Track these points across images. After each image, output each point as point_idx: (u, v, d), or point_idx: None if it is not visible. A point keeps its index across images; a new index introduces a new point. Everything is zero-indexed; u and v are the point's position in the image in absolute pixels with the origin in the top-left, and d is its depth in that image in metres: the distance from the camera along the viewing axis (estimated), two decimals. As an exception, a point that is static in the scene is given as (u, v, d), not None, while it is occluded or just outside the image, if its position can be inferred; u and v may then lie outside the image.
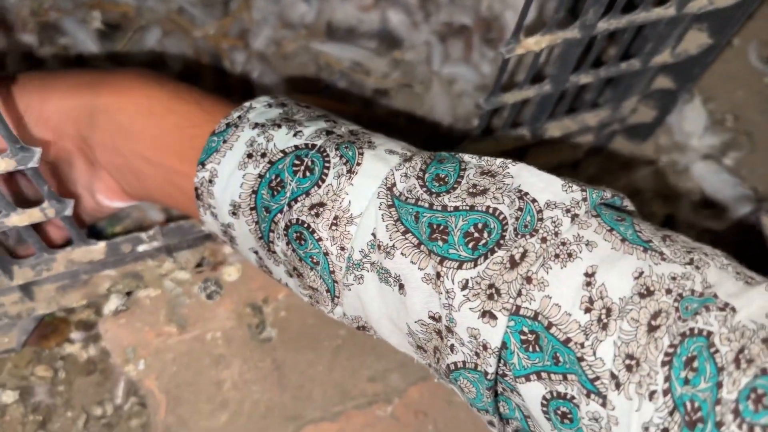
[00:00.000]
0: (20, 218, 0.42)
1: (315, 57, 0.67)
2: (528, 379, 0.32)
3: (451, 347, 0.34)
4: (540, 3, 0.68)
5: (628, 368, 0.29)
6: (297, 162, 0.37)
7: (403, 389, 0.48)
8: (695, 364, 0.28)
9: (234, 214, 0.39)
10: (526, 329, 0.32)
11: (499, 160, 0.36)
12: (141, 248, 0.47)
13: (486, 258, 0.33)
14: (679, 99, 0.59)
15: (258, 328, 0.50)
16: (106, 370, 0.56)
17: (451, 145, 0.60)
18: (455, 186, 0.35)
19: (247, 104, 0.41)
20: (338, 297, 0.38)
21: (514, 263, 0.32)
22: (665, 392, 0.28)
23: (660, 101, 0.58)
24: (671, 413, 0.28)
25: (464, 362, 0.34)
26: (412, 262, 0.34)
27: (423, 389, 0.48)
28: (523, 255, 0.32)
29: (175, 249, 0.50)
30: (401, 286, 0.35)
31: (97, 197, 0.46)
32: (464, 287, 0.33)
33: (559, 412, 0.32)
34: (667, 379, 0.28)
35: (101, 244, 0.46)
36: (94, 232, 0.53)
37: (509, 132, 0.54)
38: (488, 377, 0.33)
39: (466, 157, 0.37)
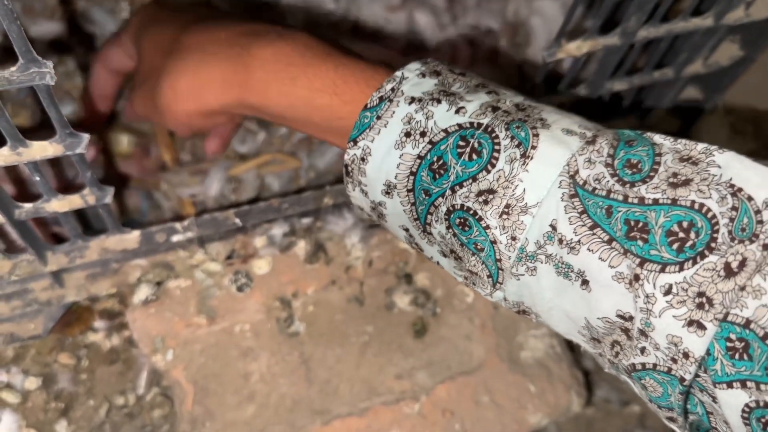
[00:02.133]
0: (60, 204, 0.42)
1: (341, 55, 0.67)
2: (730, 386, 0.30)
3: (642, 350, 0.31)
4: (565, 8, 0.69)
5: None
6: (462, 143, 0.34)
7: (431, 387, 0.49)
8: None
9: (388, 193, 0.37)
10: (733, 336, 0.29)
11: (701, 146, 0.32)
12: (175, 238, 0.47)
13: (695, 262, 0.29)
14: (705, 110, 0.60)
15: (286, 322, 0.50)
16: (129, 359, 0.56)
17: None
18: (651, 174, 0.31)
19: (398, 73, 0.37)
20: (501, 283, 0.35)
21: (730, 272, 0.29)
22: None
23: (686, 111, 0.59)
24: None
25: (655, 365, 0.32)
26: (601, 259, 0.31)
27: (450, 388, 0.49)
28: (742, 263, 0.29)
29: (207, 240, 0.50)
30: (585, 282, 0.32)
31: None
32: (667, 292, 0.30)
33: (763, 420, 0.29)
34: None
35: (135, 233, 0.47)
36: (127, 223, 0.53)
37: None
38: (684, 383, 0.31)
39: (657, 137, 0.33)
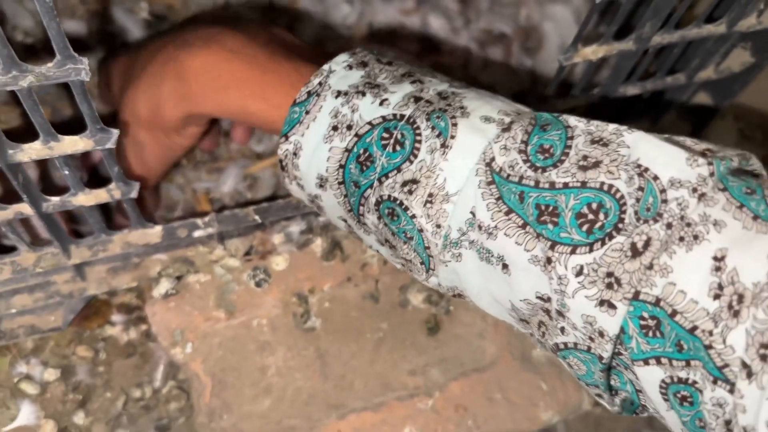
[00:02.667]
0: (87, 198, 0.43)
1: (356, 57, 0.68)
2: (646, 363, 0.31)
3: (562, 329, 0.33)
4: (577, 14, 0.70)
5: (763, 358, 0.27)
6: (386, 135, 0.35)
7: (444, 384, 0.50)
8: None
9: (321, 186, 0.38)
10: (646, 314, 0.30)
11: (612, 126, 0.33)
12: (196, 233, 0.48)
13: (603, 243, 0.30)
14: (715, 115, 0.61)
15: (303, 317, 0.51)
16: (146, 353, 0.57)
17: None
18: (562, 158, 0.32)
19: (326, 67, 0.39)
20: (433, 269, 0.36)
21: (636, 252, 0.30)
22: None
23: (697, 116, 0.60)
24: None
25: (576, 344, 0.33)
26: (517, 243, 0.32)
27: (464, 384, 0.50)
28: (647, 243, 0.30)
29: (227, 236, 0.51)
30: (505, 266, 0.33)
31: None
32: (579, 273, 0.31)
33: (678, 395, 0.30)
34: None
35: (158, 228, 0.48)
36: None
37: (553, 138, 0.55)
38: (603, 361, 0.32)
39: (572, 120, 0.34)
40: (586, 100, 0.50)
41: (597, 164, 0.32)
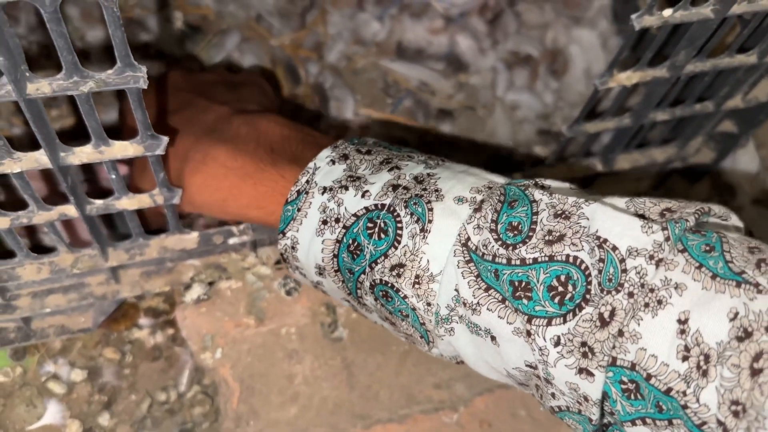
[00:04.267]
0: (130, 202, 0.44)
1: (384, 74, 0.70)
2: (634, 424, 0.33)
3: (552, 395, 0.35)
4: (602, 38, 0.71)
5: (735, 414, 0.29)
6: (370, 225, 0.38)
7: (469, 399, 0.50)
8: None
9: (320, 274, 0.41)
10: (625, 378, 0.32)
11: (571, 199, 0.35)
12: (231, 241, 0.49)
13: (574, 314, 0.33)
14: (739, 143, 0.62)
15: (330, 327, 0.52)
16: (172, 357, 0.58)
17: (511, 169, 0.63)
18: (530, 234, 0.35)
19: (311, 165, 0.42)
20: (432, 342, 0.39)
21: (604, 322, 0.32)
22: None
23: (721, 144, 0.61)
24: None
25: (568, 407, 0.35)
26: (499, 317, 0.35)
27: (488, 400, 0.50)
28: (612, 313, 0.32)
29: (259, 245, 0.52)
30: (493, 338, 0.36)
31: None
32: (557, 344, 0.33)
33: None
34: None
35: (194, 234, 0.48)
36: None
37: (581, 160, 0.56)
38: (593, 422, 0.34)
39: (537, 194, 0.36)
40: (616, 124, 0.51)
41: (561, 237, 0.34)
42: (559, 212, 0.35)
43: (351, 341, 0.52)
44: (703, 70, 0.48)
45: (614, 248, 0.33)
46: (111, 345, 0.58)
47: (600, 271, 0.33)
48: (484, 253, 0.36)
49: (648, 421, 0.32)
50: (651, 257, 0.32)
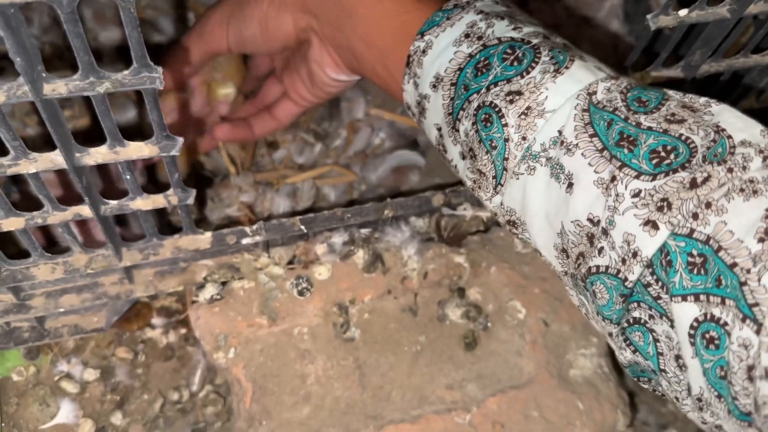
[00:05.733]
0: (145, 203, 0.44)
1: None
2: (684, 299, 0.33)
3: (600, 250, 0.35)
4: (613, 38, 0.71)
5: None
6: (509, 51, 0.39)
7: (481, 399, 0.50)
8: None
9: (434, 86, 0.42)
10: (695, 252, 0.32)
11: (703, 99, 0.36)
12: (245, 241, 0.49)
13: (666, 175, 0.33)
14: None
15: (342, 328, 0.52)
16: (184, 357, 0.58)
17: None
18: (654, 110, 0.36)
19: None
20: (502, 185, 0.39)
21: (694, 184, 0.33)
22: None
23: (734, 144, 0.61)
24: None
25: (607, 267, 0.35)
26: (590, 164, 0.35)
27: (501, 401, 0.50)
28: (706, 179, 0.33)
29: (272, 245, 0.52)
30: (570, 185, 0.36)
31: (326, 71, 0.51)
32: (635, 195, 0.34)
33: (707, 336, 0.32)
34: None
35: (208, 234, 0.49)
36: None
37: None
38: (626, 283, 0.34)
39: (671, 91, 0.37)
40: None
41: (682, 121, 0.35)
42: (687, 105, 0.36)
43: (363, 341, 0.52)
44: (718, 71, 0.48)
45: (729, 137, 0.34)
46: (124, 344, 0.58)
47: (708, 148, 0.34)
48: (605, 106, 0.36)
49: (702, 297, 0.32)
50: (761, 151, 0.33)
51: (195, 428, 0.55)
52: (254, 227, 0.49)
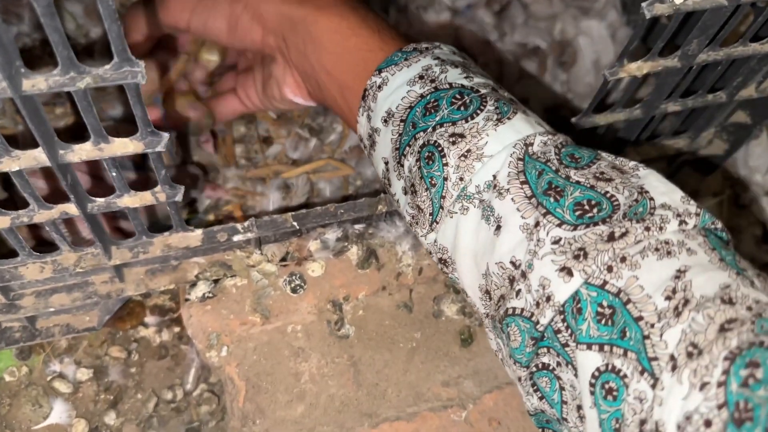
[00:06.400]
0: (132, 200, 0.43)
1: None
2: (590, 348, 0.34)
3: (518, 292, 0.37)
4: (611, 29, 0.70)
5: (689, 355, 0.30)
6: (458, 96, 0.41)
7: (477, 396, 0.49)
8: (759, 373, 0.28)
9: (385, 121, 0.43)
10: (605, 303, 0.34)
11: (632, 163, 0.39)
12: (236, 238, 0.48)
13: (587, 227, 0.35)
14: (752, 134, 0.60)
15: (337, 325, 0.51)
16: (178, 355, 0.58)
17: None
18: (585, 167, 0.38)
19: (437, 43, 0.46)
20: (437, 223, 0.41)
21: (612, 238, 0.34)
22: (719, 384, 0.29)
23: (733, 135, 0.60)
24: (719, 407, 0.28)
25: (522, 309, 0.36)
26: (518, 209, 0.37)
27: (498, 397, 0.49)
28: (624, 234, 0.34)
29: (264, 242, 0.51)
30: (498, 227, 0.38)
31: (284, 90, 0.52)
32: (555, 242, 0.35)
33: (606, 387, 0.33)
34: (725, 373, 0.29)
35: (198, 232, 0.48)
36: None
37: (591, 153, 0.55)
38: (538, 327, 0.35)
39: (603, 153, 0.40)
40: (626, 116, 0.50)
41: (609, 180, 0.37)
42: (617, 167, 0.39)
43: (358, 339, 0.51)
44: (716, 60, 0.47)
45: (651, 198, 0.36)
46: (117, 344, 0.57)
47: (630, 207, 0.36)
48: (539, 157, 0.39)
49: (606, 348, 0.33)
50: (678, 215, 0.35)
51: (189, 427, 0.55)
52: (245, 224, 0.49)
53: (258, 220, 0.49)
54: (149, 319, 0.58)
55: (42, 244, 0.53)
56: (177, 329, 0.58)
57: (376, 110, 0.44)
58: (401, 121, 0.42)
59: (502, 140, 0.39)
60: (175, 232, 0.47)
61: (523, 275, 0.36)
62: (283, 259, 0.52)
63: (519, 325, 0.37)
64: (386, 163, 0.45)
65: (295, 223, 0.50)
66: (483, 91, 0.41)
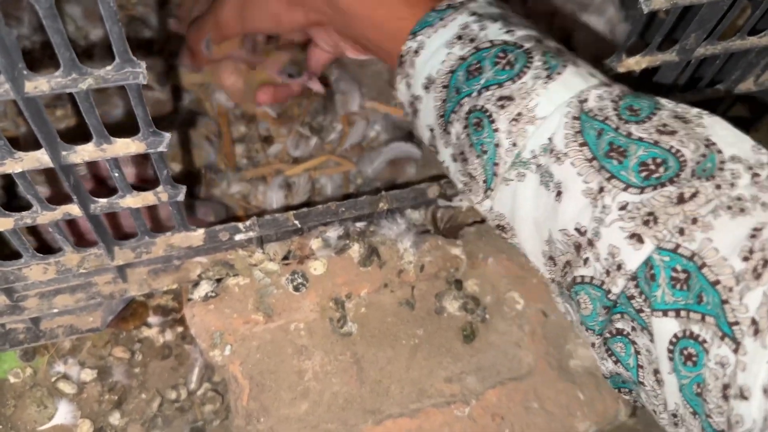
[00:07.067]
0: (134, 200, 0.43)
1: (389, 66, 0.69)
2: (665, 314, 0.33)
3: (585, 260, 0.35)
4: (609, 24, 0.70)
5: None
6: (501, 54, 0.39)
7: (480, 392, 0.50)
8: None
9: (426, 88, 0.41)
10: (679, 267, 0.32)
11: (695, 110, 0.36)
12: (238, 237, 0.48)
13: (654, 189, 0.33)
14: (751, 129, 0.60)
15: (339, 322, 0.51)
16: (181, 355, 0.58)
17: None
18: (645, 120, 0.36)
19: None
20: (492, 190, 0.39)
21: (681, 200, 0.33)
22: None
23: (733, 128, 0.60)
24: None
25: (592, 278, 0.35)
26: (579, 173, 0.35)
27: (501, 393, 0.50)
28: (694, 195, 0.33)
29: (266, 241, 0.51)
30: (559, 194, 0.36)
31: (345, 52, 0.54)
32: (622, 208, 0.34)
33: (685, 352, 0.32)
34: None
35: (200, 231, 0.48)
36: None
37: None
38: (609, 296, 0.34)
39: (663, 100, 0.37)
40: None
41: (673, 133, 0.35)
42: (679, 116, 0.36)
43: (360, 336, 0.51)
44: (714, 54, 0.47)
45: (719, 151, 0.34)
46: (120, 344, 0.57)
47: (697, 163, 0.34)
48: (596, 114, 0.36)
49: (682, 313, 0.32)
50: (750, 168, 0.33)
51: (193, 426, 0.55)
52: (247, 223, 0.49)
53: (260, 219, 0.49)
54: (152, 319, 0.58)
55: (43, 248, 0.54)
56: (180, 329, 0.58)
57: (415, 76, 0.42)
58: (443, 86, 0.40)
59: (554, 99, 0.37)
60: (177, 231, 0.48)
61: (590, 243, 0.35)
62: (285, 258, 0.52)
63: (589, 293, 0.36)
64: (431, 131, 0.43)
65: (296, 222, 0.50)
66: (527, 45, 0.39)
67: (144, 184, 0.43)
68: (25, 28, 0.65)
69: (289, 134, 0.65)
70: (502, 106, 0.38)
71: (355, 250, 0.53)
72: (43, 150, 0.37)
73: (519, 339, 0.52)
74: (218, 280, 0.52)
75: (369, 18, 0.45)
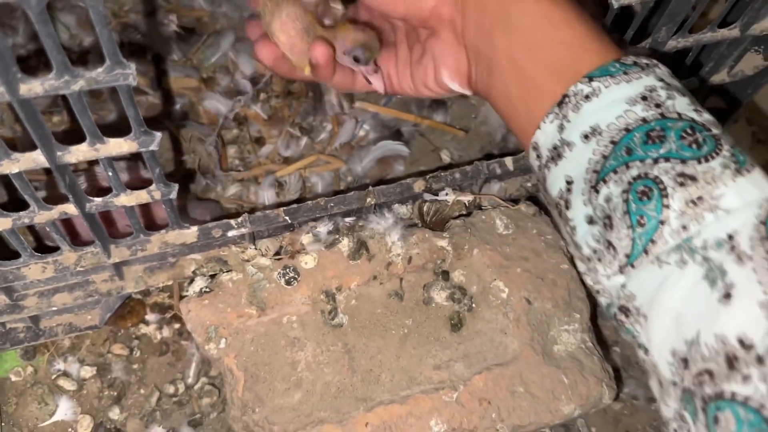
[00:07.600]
0: (128, 199, 0.45)
1: (377, 65, 0.70)
2: None
3: (745, 378, 0.31)
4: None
5: None
6: (689, 131, 0.36)
7: (468, 378, 0.51)
8: None
9: (586, 137, 0.38)
10: None
11: None
12: (230, 233, 0.50)
13: None
14: (729, 119, 0.62)
15: (330, 314, 0.53)
16: (179, 351, 0.59)
17: (503, 155, 0.63)
18: None
19: (656, 60, 0.40)
20: (633, 267, 0.36)
21: None
22: None
23: (711, 119, 0.62)
24: None
25: (748, 398, 0.31)
26: (759, 282, 0.32)
27: (487, 378, 0.51)
28: None
29: (258, 237, 0.53)
30: (728, 296, 0.32)
31: (441, 72, 0.46)
32: None
33: None
34: None
35: (194, 229, 0.50)
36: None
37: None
38: None
39: None
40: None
41: None
42: None
43: (351, 327, 0.53)
44: (686, 46, 0.49)
45: None
46: (119, 341, 0.59)
47: None
48: None
49: None
50: None
51: (191, 420, 0.56)
52: (239, 219, 0.50)
53: (251, 216, 0.51)
54: (150, 316, 0.59)
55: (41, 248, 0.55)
56: (177, 326, 0.59)
57: (575, 122, 0.38)
58: (611, 142, 0.37)
59: (744, 196, 0.34)
60: (172, 229, 0.49)
61: (760, 360, 0.31)
62: (277, 253, 0.54)
63: (738, 414, 0.31)
64: (569, 183, 0.39)
65: (287, 218, 0.51)
66: (715, 131, 0.36)
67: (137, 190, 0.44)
68: (20, 37, 0.67)
69: (279, 135, 0.67)
70: (682, 184, 0.34)
71: (345, 244, 0.54)
72: (38, 151, 0.38)
73: (504, 326, 0.53)
74: (212, 276, 0.53)
75: (543, 34, 0.40)
